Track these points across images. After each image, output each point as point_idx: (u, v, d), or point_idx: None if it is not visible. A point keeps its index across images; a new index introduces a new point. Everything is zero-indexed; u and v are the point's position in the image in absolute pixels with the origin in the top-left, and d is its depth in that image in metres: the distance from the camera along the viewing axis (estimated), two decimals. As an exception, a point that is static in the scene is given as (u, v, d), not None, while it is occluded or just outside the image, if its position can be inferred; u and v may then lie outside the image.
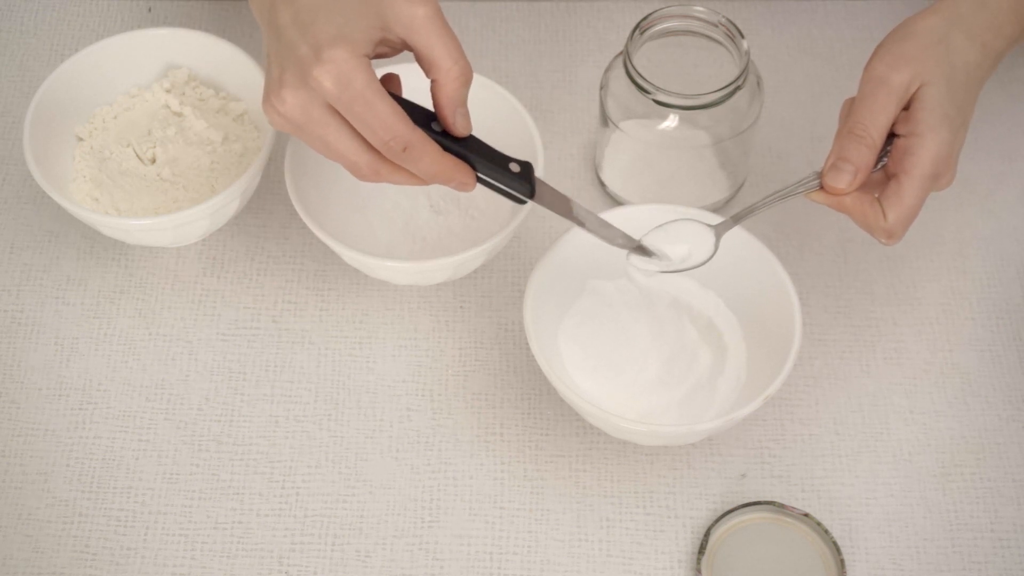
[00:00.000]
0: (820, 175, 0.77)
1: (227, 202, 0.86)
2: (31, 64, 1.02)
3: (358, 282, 0.91)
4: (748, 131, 0.88)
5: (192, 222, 0.86)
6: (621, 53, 0.87)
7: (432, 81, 0.73)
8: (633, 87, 0.86)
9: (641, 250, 0.79)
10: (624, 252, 0.80)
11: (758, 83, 0.88)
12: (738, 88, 0.85)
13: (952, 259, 0.92)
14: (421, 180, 0.74)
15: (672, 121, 0.88)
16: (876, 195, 0.76)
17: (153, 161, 0.91)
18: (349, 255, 0.83)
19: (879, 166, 0.77)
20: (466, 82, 0.73)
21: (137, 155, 0.91)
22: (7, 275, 0.92)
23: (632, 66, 0.85)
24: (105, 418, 0.86)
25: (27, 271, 0.92)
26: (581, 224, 0.78)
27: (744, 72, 0.85)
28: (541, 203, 0.77)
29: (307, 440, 0.85)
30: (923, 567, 0.80)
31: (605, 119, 0.89)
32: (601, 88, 0.89)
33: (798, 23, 1.03)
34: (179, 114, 0.92)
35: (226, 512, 0.83)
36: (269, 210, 0.95)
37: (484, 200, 0.90)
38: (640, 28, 0.86)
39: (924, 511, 0.82)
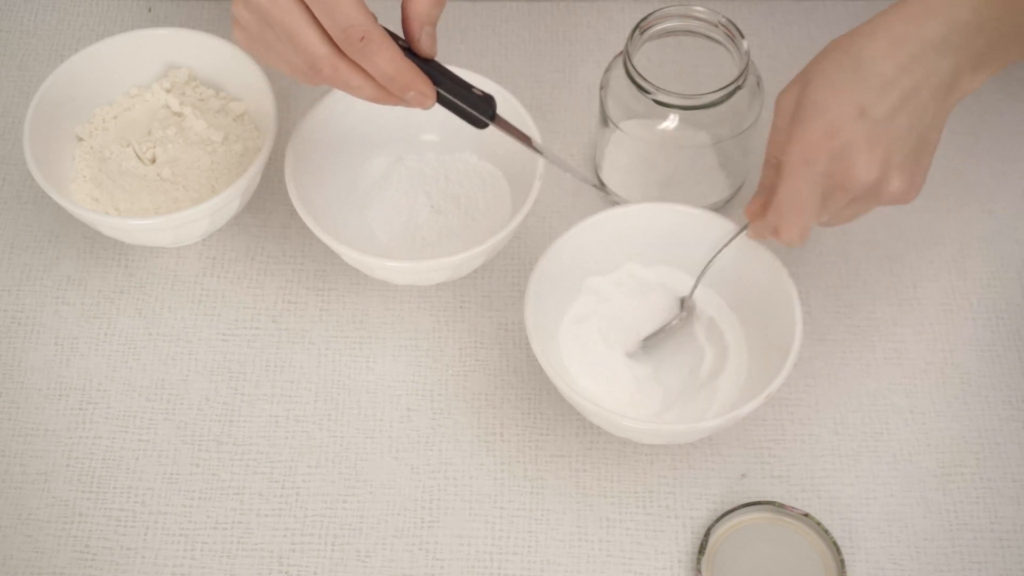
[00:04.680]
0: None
1: (227, 202, 0.86)
2: (31, 64, 1.02)
3: (358, 282, 0.91)
4: (748, 131, 0.88)
5: (192, 222, 0.86)
6: (621, 53, 0.87)
7: None
8: (633, 87, 0.86)
9: (601, 186, 0.82)
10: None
11: (758, 83, 0.88)
12: (738, 88, 0.85)
13: (952, 259, 0.92)
14: (380, 88, 0.74)
15: (672, 121, 0.88)
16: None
17: (153, 161, 0.91)
18: (349, 255, 0.83)
19: None
20: (440, 2, 0.74)
21: (137, 155, 0.91)
22: (7, 275, 0.92)
23: (632, 66, 0.85)
24: (105, 418, 0.86)
25: (27, 271, 0.92)
26: (541, 154, 0.81)
27: (744, 72, 0.85)
28: (501, 128, 0.78)
29: (307, 440, 0.85)
30: (923, 567, 0.80)
31: (605, 119, 0.89)
32: (601, 88, 0.89)
33: (798, 23, 1.03)
34: (179, 114, 0.92)
35: (226, 512, 0.83)
36: (269, 210, 0.95)
37: (484, 200, 0.90)
38: (640, 28, 0.86)
39: (924, 511, 0.82)
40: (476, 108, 0.77)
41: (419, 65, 0.74)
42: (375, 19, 0.72)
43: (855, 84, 0.73)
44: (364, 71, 0.73)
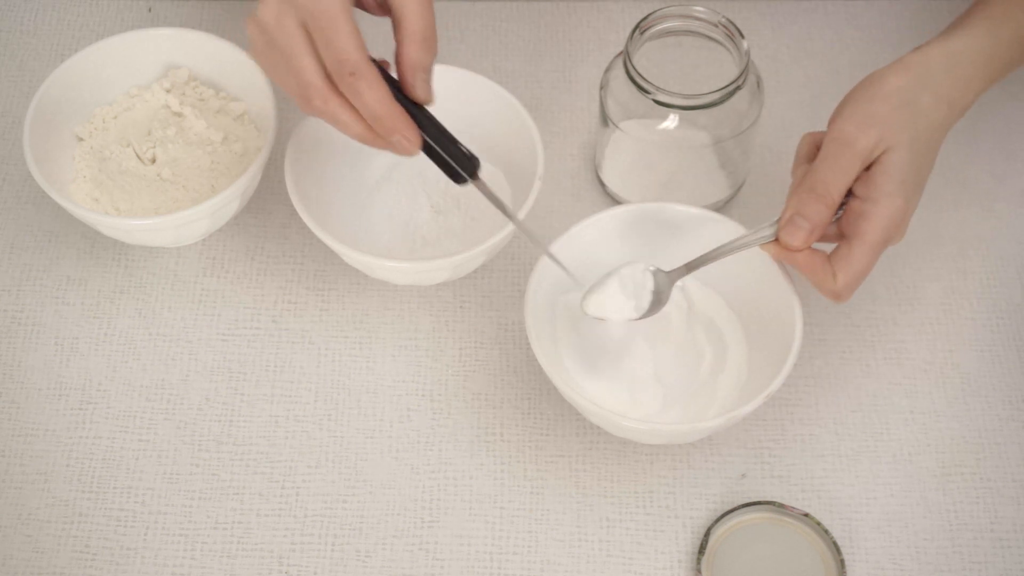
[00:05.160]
0: (775, 225, 0.77)
1: (227, 202, 0.86)
2: (31, 64, 1.02)
3: (358, 282, 0.92)
4: (748, 131, 0.88)
5: (192, 222, 0.86)
6: (621, 53, 0.87)
7: (397, 42, 0.75)
8: (633, 87, 0.86)
9: (567, 272, 0.80)
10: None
11: (758, 83, 0.88)
12: (738, 88, 0.85)
13: (952, 259, 0.92)
14: (368, 129, 0.74)
15: (672, 121, 0.88)
16: (830, 251, 0.77)
17: (153, 161, 0.91)
18: (349, 255, 0.83)
19: (833, 219, 0.77)
20: (429, 48, 0.75)
21: (137, 155, 0.91)
22: (7, 275, 0.92)
23: (632, 66, 0.85)
24: (105, 418, 0.86)
25: (27, 271, 0.92)
26: (514, 223, 0.80)
27: (744, 72, 0.85)
28: (479, 187, 0.77)
29: (307, 440, 0.85)
30: (923, 567, 0.80)
31: (605, 119, 0.89)
32: (601, 88, 0.89)
33: (798, 23, 1.03)
34: (179, 114, 0.92)
35: (226, 512, 0.83)
36: (269, 210, 0.95)
37: (484, 200, 0.90)
38: (640, 28, 0.86)
39: (924, 511, 0.82)
40: (459, 163, 0.76)
41: (410, 111, 0.75)
42: (367, 54, 0.72)
43: (927, 159, 0.77)
44: (354, 109, 0.74)
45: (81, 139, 0.92)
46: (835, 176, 0.76)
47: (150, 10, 1.05)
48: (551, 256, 0.80)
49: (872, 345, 0.88)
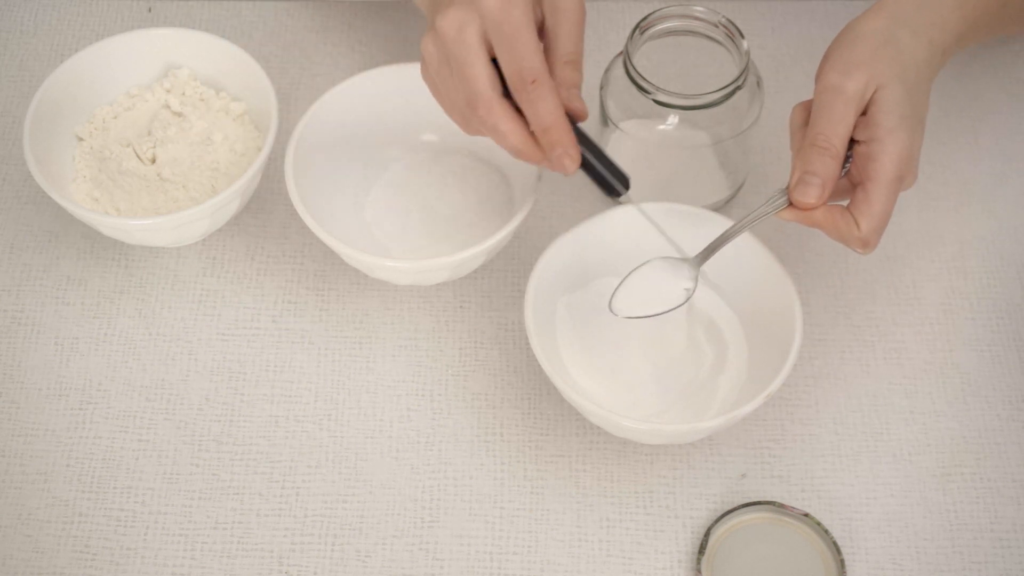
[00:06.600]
0: (786, 192, 0.77)
1: (227, 202, 0.86)
2: (31, 64, 1.02)
3: (358, 282, 0.92)
4: (748, 131, 0.88)
5: (192, 222, 0.86)
6: (621, 53, 0.88)
7: (549, 63, 0.76)
8: (633, 87, 0.86)
9: (705, 254, 0.80)
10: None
11: (758, 83, 0.88)
12: (738, 88, 0.85)
13: (952, 259, 0.92)
14: (527, 139, 0.74)
15: (672, 121, 0.88)
16: (845, 205, 0.76)
17: (153, 161, 0.91)
18: (349, 255, 0.83)
19: (842, 174, 0.77)
20: (578, 69, 0.77)
21: (137, 155, 0.91)
22: (7, 275, 0.92)
23: (632, 66, 0.85)
24: (105, 418, 0.86)
25: (27, 271, 0.92)
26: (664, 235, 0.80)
27: (744, 72, 0.85)
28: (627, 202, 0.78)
29: (307, 440, 0.85)
30: (923, 567, 0.80)
31: (605, 119, 0.89)
32: (601, 88, 0.89)
33: (798, 23, 1.03)
34: (179, 114, 0.92)
35: (226, 512, 0.83)
36: (269, 210, 0.95)
37: (484, 200, 0.90)
38: (640, 28, 0.86)
39: (924, 511, 0.82)
40: (617, 178, 0.77)
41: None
42: (548, 72, 0.74)
43: (919, 96, 0.76)
44: (516, 119, 0.74)
45: (81, 139, 0.92)
46: (832, 126, 0.75)
47: (150, 10, 1.05)
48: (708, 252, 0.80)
49: (872, 345, 0.88)
